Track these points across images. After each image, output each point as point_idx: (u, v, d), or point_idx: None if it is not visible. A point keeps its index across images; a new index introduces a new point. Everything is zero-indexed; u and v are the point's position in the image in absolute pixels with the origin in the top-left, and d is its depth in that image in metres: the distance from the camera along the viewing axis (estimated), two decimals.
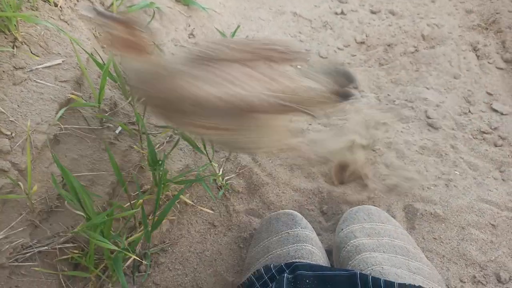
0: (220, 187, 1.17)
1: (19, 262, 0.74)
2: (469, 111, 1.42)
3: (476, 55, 1.67)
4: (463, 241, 1.04)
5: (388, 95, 1.52)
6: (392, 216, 1.06)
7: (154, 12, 1.51)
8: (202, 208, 1.10)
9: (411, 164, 1.24)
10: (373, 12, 1.93)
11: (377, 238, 0.91)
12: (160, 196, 1.00)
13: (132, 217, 0.96)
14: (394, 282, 0.71)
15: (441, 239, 1.04)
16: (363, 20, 1.90)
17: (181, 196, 1.07)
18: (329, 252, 1.03)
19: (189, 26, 1.65)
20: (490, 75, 1.57)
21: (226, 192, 1.16)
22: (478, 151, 1.27)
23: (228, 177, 1.21)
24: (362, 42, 1.79)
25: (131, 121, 1.17)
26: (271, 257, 0.90)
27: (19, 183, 0.78)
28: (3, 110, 0.85)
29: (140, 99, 0.93)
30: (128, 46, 0.78)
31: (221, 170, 1.21)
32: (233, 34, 1.68)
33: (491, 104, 1.44)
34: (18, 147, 0.83)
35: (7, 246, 0.73)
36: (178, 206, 1.08)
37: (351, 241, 0.91)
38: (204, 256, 1.02)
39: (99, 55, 1.18)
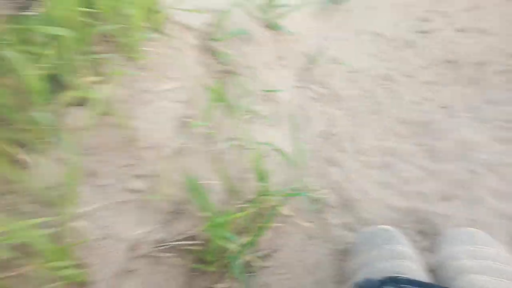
0: (316, 200, 1.22)
1: (158, 254, 0.86)
2: None
3: None
4: None
5: (483, 115, 1.49)
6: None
7: (247, 38, 1.63)
8: (299, 221, 1.16)
9: None
10: (459, 31, 1.91)
11: (481, 260, 0.91)
12: (263, 206, 1.08)
13: (238, 222, 1.05)
14: None
15: None
16: (448, 38, 1.88)
17: (282, 208, 1.14)
18: (429, 272, 1.03)
19: (277, 50, 1.76)
20: None
21: (321, 206, 1.22)
22: None
23: (321, 191, 1.26)
24: (449, 61, 1.77)
25: (232, 137, 1.27)
26: (370, 271, 0.93)
27: (158, 186, 0.90)
28: (139, 126, 0.98)
29: None
30: None
31: (314, 184, 1.27)
32: (317, 56, 1.76)
33: None
34: (150, 157, 0.96)
35: (149, 239, 0.85)
36: (278, 216, 1.15)
37: (454, 262, 0.91)
38: (305, 264, 1.07)
39: (201, 81, 1.31)
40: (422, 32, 1.96)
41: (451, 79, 1.69)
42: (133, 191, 0.87)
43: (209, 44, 1.52)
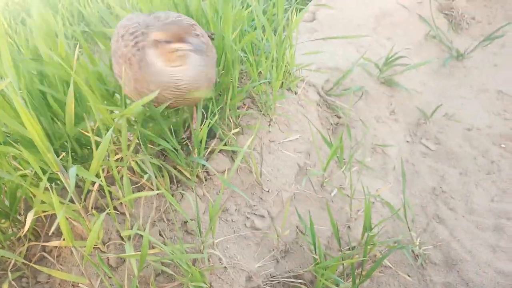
0: (417, 255, 1.27)
1: (268, 287, 1.02)
2: None
3: None
4: None
5: None
6: None
7: (362, 94, 1.77)
8: (401, 273, 1.23)
9: None
10: None
11: None
12: (367, 255, 1.18)
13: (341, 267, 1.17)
14: None
15: None
16: None
17: (384, 258, 1.22)
18: None
19: (391, 104, 1.86)
20: None
21: (423, 262, 1.26)
22: None
23: (426, 247, 1.30)
24: None
25: (342, 186, 1.40)
26: None
27: (276, 226, 1.08)
28: (264, 172, 1.19)
29: None
30: None
31: (418, 239, 1.32)
32: (433, 112, 1.80)
33: None
34: (271, 200, 1.15)
35: (262, 272, 1.02)
36: (380, 267, 1.23)
37: None
38: None
39: (319, 131, 1.48)
40: None
41: None
42: (253, 228, 1.06)
43: (328, 99, 1.71)
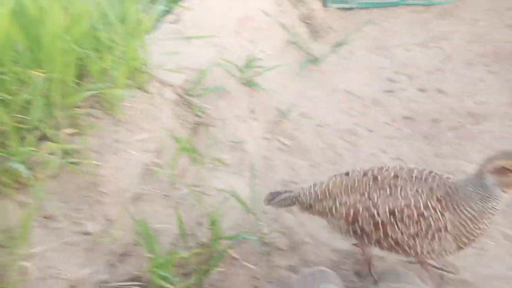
0: (266, 244, 1.34)
1: None
2: None
3: None
4: None
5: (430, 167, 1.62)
6: (422, 281, 1.14)
7: (222, 94, 1.82)
8: (246, 263, 1.28)
9: None
10: (421, 90, 2.09)
11: None
12: (213, 250, 1.21)
13: (187, 265, 1.17)
14: None
15: None
16: (411, 97, 2.06)
17: (229, 251, 1.27)
18: None
19: (251, 104, 1.94)
20: None
21: (270, 249, 1.33)
22: None
23: (274, 235, 1.38)
24: (409, 117, 1.93)
25: (195, 183, 1.42)
26: None
27: (112, 230, 1.04)
28: (103, 173, 1.15)
29: None
30: None
31: (267, 229, 1.39)
32: (288, 111, 1.94)
33: None
34: (110, 202, 1.11)
35: (91, 280, 0.97)
36: (228, 259, 1.27)
37: None
38: None
39: (175, 130, 1.49)
40: (389, 91, 2.14)
41: (408, 134, 1.84)
42: (84, 233, 1.01)
43: (187, 99, 1.72)
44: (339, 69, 2.35)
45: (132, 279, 1.04)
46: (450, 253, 1.03)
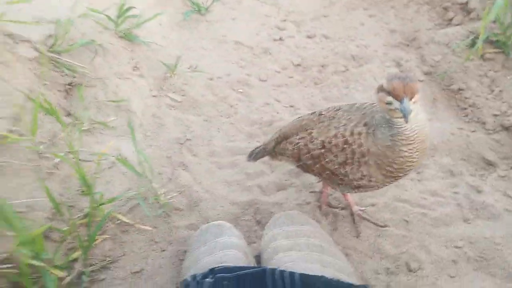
0: (162, 206, 1.24)
1: None
2: None
3: (399, 70, 1.84)
4: (379, 237, 1.15)
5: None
6: (317, 221, 1.16)
7: (96, 49, 1.60)
8: (143, 226, 1.17)
9: None
10: (308, 37, 2.10)
11: (295, 238, 1.01)
12: (98, 218, 1.07)
13: (72, 238, 1.03)
14: (295, 272, 0.80)
15: (359, 237, 1.15)
16: (299, 44, 2.06)
17: (121, 216, 1.14)
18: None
19: (133, 59, 1.75)
20: None
21: (167, 210, 1.24)
22: None
23: (170, 195, 1.29)
24: (298, 65, 1.94)
25: (70, 150, 1.24)
26: (200, 266, 0.97)
27: None
28: None
29: None
30: None
31: (163, 190, 1.29)
32: (176, 65, 1.80)
33: None
34: None
35: None
36: (118, 226, 1.15)
37: (271, 244, 1.00)
38: (145, 270, 1.08)
39: (36, 93, 1.26)
40: (278, 39, 2.11)
41: (298, 81, 1.84)
42: None
43: (52, 57, 1.47)
44: (227, 18, 2.25)
45: (1, 262, 0.86)
46: (379, 182, 1.00)
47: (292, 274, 0.80)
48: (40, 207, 1.04)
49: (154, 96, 1.70)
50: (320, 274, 0.84)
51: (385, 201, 1.25)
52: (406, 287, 1.05)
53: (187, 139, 1.53)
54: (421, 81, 1.78)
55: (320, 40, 2.08)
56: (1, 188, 0.98)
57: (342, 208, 1.24)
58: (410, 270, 1.07)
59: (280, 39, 2.12)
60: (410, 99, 0.84)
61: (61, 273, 0.90)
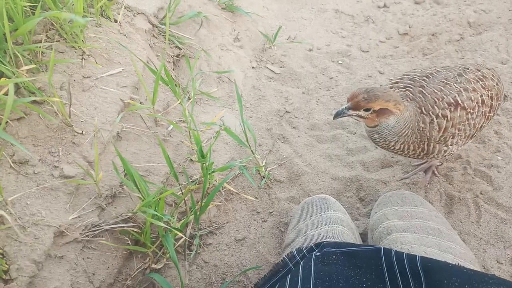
0: (263, 177, 1.26)
1: (90, 238, 0.89)
2: None
3: None
4: (503, 223, 1.03)
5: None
6: (429, 202, 1.08)
7: (202, 21, 1.64)
8: (246, 195, 1.20)
9: None
10: (416, 3, 1.92)
11: (409, 220, 0.95)
12: (207, 185, 1.12)
13: (183, 203, 1.09)
14: (416, 256, 0.75)
15: (478, 222, 1.04)
16: (406, 11, 1.90)
17: (226, 185, 1.18)
18: (365, 236, 1.08)
19: (234, 30, 1.77)
20: None
21: (269, 181, 1.26)
22: None
23: (271, 167, 1.30)
24: (405, 34, 1.79)
25: (181, 119, 1.30)
26: (305, 238, 0.97)
27: (91, 171, 0.93)
28: (76, 112, 1.01)
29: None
30: (381, 113, 0.90)
31: (264, 161, 1.31)
32: (275, 36, 1.78)
33: None
34: (88, 142, 0.99)
35: (79, 224, 0.88)
36: (224, 194, 1.19)
37: (383, 223, 0.95)
38: (248, 238, 1.12)
39: (153, 63, 1.33)
40: (382, 6, 1.97)
41: (405, 52, 1.71)
42: (64, 177, 0.90)
43: (163, 29, 1.54)
44: None
45: (125, 221, 0.95)
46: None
47: (412, 256, 0.75)
48: (156, 171, 1.12)
49: (253, 67, 1.71)
50: (440, 260, 0.78)
51: (510, 185, 1.12)
52: None
53: (287, 111, 1.52)
54: None
55: (430, 5, 1.89)
56: (125, 152, 1.07)
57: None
58: None
59: (385, 5, 1.98)
60: (353, 108, 0.89)
61: (179, 234, 0.96)
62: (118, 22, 1.31)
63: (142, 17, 1.49)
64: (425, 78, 0.98)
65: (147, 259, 0.97)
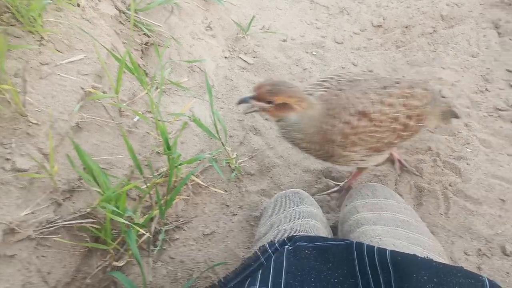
0: (234, 169, 1.23)
1: (44, 235, 0.84)
2: (486, 89, 1.39)
3: (497, 32, 1.62)
4: (471, 215, 1.04)
5: (403, 76, 1.51)
6: (399, 194, 1.07)
7: (172, 8, 1.58)
8: (215, 189, 1.17)
9: (422, 143, 1.24)
10: None
11: (379, 212, 0.94)
12: (174, 179, 1.08)
13: (148, 197, 1.04)
14: (386, 249, 0.73)
15: (447, 214, 1.05)
16: (380, 3, 1.89)
17: (194, 178, 1.14)
18: (336, 229, 1.07)
19: (207, 19, 1.72)
20: (511, 52, 1.52)
21: (239, 174, 1.22)
22: (492, 128, 1.25)
23: (242, 160, 1.27)
24: (379, 26, 1.78)
25: (148, 110, 1.25)
26: (277, 232, 0.94)
27: (45, 164, 0.87)
28: (31, 101, 0.95)
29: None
30: (283, 108, 0.88)
31: (234, 153, 1.27)
32: (249, 25, 1.73)
33: (510, 82, 1.40)
34: (43, 133, 0.93)
35: (33, 220, 0.83)
36: (192, 187, 1.15)
37: (353, 216, 0.94)
38: (217, 233, 1.08)
39: (118, 51, 1.27)
40: None
41: (378, 44, 1.70)
42: (16, 170, 0.84)
43: (130, 15, 1.47)
44: None
45: (83, 217, 0.90)
46: None
47: (382, 250, 0.73)
48: (119, 164, 1.07)
49: (226, 57, 1.66)
50: (409, 253, 0.77)
51: (479, 177, 1.13)
52: (499, 271, 0.95)
53: None
54: None
55: None
56: (85, 144, 1.01)
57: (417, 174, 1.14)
58: (505, 254, 0.96)
59: None
60: (256, 99, 0.87)
61: (141, 230, 0.91)
62: (80, 6, 1.24)
63: (108, 2, 1.42)
64: (350, 83, 0.96)
65: (108, 257, 0.93)
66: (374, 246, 0.77)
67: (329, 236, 0.96)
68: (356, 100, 0.92)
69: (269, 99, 0.86)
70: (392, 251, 0.75)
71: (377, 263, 0.75)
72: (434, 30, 1.69)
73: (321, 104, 0.92)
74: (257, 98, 0.87)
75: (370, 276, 0.75)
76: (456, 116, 1.09)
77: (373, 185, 1.02)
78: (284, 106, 0.87)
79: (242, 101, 0.89)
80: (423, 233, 0.91)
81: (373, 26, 1.78)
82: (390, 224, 0.91)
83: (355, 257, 0.77)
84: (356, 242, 0.79)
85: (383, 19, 1.79)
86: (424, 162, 1.18)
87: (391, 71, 1.57)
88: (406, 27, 1.73)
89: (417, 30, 1.71)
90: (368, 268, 0.76)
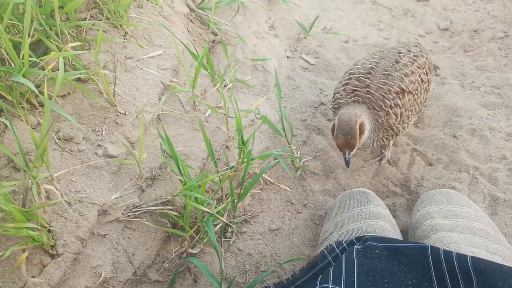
0: (298, 168, 1.24)
1: (131, 218, 0.89)
2: None
3: None
4: None
5: (473, 81, 1.47)
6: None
7: (238, 7, 1.62)
8: (281, 186, 1.19)
9: (496, 150, 1.20)
10: None
11: (455, 219, 0.92)
12: (244, 173, 1.10)
13: (220, 189, 1.08)
14: (466, 255, 0.72)
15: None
16: (447, 6, 1.84)
17: (263, 174, 1.17)
18: (404, 233, 1.06)
19: (270, 19, 1.75)
20: None
21: (303, 173, 1.24)
22: None
23: (305, 159, 1.28)
24: (446, 29, 1.74)
25: (218, 105, 1.29)
26: (343, 232, 0.95)
27: (134, 152, 0.93)
28: (119, 92, 1.01)
29: None
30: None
31: (298, 152, 1.29)
32: (311, 26, 1.74)
33: None
34: (129, 123, 0.99)
35: (122, 204, 0.88)
36: (260, 182, 1.18)
37: (427, 221, 0.92)
38: (282, 229, 1.10)
39: (187, 48, 1.32)
40: (422, 0, 1.91)
41: (445, 47, 1.66)
42: (107, 156, 0.89)
43: (200, 13, 1.53)
44: None
45: (163, 204, 0.95)
46: None
47: (462, 256, 0.72)
48: (193, 156, 1.11)
49: (288, 57, 1.68)
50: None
51: None
52: None
53: (322, 103, 1.49)
54: None
55: (473, 1, 1.83)
56: (163, 134, 1.06)
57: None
58: None
59: None
60: (350, 151, 0.98)
61: (220, 218, 0.95)
62: (159, 4, 1.30)
63: (180, 0, 1.47)
64: (368, 76, 1.07)
65: (184, 243, 0.97)
66: (452, 251, 0.75)
67: (401, 239, 0.95)
68: (386, 87, 1.04)
69: (357, 141, 0.97)
70: (473, 257, 0.73)
71: (457, 269, 0.73)
72: (506, 35, 1.62)
73: (361, 106, 1.03)
74: (350, 149, 0.98)
75: (449, 282, 0.73)
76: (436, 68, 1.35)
77: (447, 191, 1.00)
78: (360, 134, 0.98)
79: (348, 163, 1.00)
80: (501, 243, 0.88)
81: (439, 29, 1.74)
82: (466, 232, 0.89)
83: (430, 261, 0.76)
84: (431, 245, 0.78)
85: (450, 22, 1.75)
86: (499, 171, 1.14)
87: (459, 75, 1.52)
88: (475, 31, 1.68)
89: (486, 34, 1.65)
90: (446, 273, 0.74)
